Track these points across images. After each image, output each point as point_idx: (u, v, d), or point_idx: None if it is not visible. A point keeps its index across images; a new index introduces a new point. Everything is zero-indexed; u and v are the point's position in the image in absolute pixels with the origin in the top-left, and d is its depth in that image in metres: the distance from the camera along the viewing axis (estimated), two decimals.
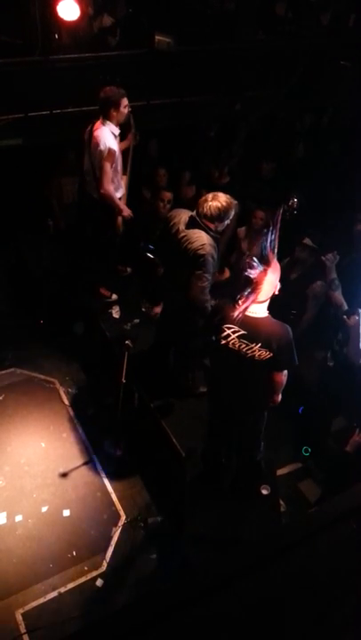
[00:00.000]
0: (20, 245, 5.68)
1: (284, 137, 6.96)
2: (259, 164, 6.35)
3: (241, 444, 3.75)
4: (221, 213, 3.71)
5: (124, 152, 4.69)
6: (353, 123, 6.74)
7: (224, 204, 3.69)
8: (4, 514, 4.15)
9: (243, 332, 3.09)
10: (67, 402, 5.07)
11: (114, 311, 5.18)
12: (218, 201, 3.68)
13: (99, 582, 3.85)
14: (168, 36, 5.07)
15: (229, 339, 3.13)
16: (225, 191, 3.84)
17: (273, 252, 3.00)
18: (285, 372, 3.26)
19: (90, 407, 5.07)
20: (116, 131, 4.41)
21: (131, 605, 3.58)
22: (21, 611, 3.66)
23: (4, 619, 3.60)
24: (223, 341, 3.16)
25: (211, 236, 3.77)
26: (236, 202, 3.78)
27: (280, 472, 4.46)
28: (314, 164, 6.61)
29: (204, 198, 3.74)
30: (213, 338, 3.27)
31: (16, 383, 5.11)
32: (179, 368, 4.61)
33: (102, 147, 4.32)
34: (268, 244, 2.96)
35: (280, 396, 3.37)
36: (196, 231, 3.75)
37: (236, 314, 3.05)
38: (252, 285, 2.98)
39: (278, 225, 2.97)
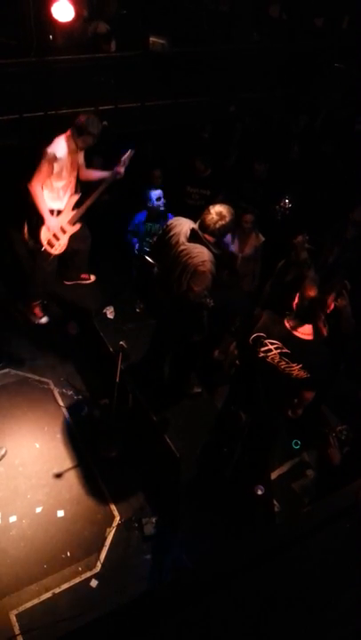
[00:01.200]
0: (14, 245, 5.67)
1: (278, 138, 6.98)
2: (252, 164, 6.38)
3: (249, 444, 3.77)
4: (224, 230, 3.74)
5: (95, 183, 4.72)
6: (346, 124, 6.77)
7: (228, 220, 3.72)
8: None
9: (286, 350, 3.11)
10: (61, 402, 5.07)
11: (108, 312, 5.19)
12: (221, 217, 3.70)
13: (93, 583, 3.85)
14: (163, 37, 5.08)
15: (270, 353, 3.16)
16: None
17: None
18: (314, 392, 3.32)
19: (84, 408, 5.07)
20: (74, 148, 4.49)
21: (125, 606, 3.59)
22: (15, 612, 3.65)
23: None
24: (262, 354, 3.18)
25: (211, 251, 3.78)
26: (233, 215, 3.81)
27: (274, 473, 4.48)
28: (308, 166, 6.63)
29: (207, 212, 3.74)
30: (251, 349, 3.28)
31: (10, 384, 5.10)
32: (174, 369, 4.62)
33: (49, 149, 4.41)
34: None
35: (301, 412, 3.41)
36: (198, 246, 3.76)
37: (295, 333, 3.08)
38: (316, 314, 3.08)
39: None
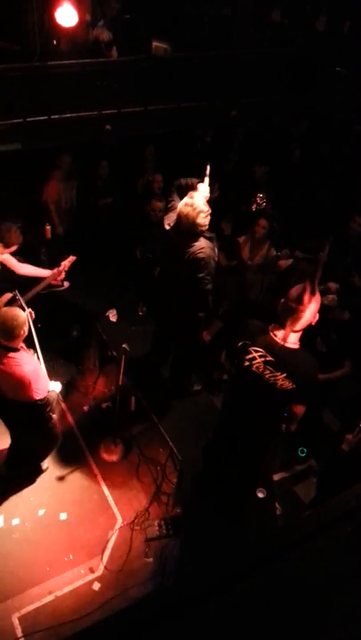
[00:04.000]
0: (18, 250, 5.69)
1: (280, 142, 7.01)
2: (252, 167, 6.41)
3: (243, 461, 3.75)
4: (201, 215, 3.73)
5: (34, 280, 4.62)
6: (347, 129, 6.80)
7: (197, 206, 3.70)
8: (2, 517, 4.15)
9: (270, 358, 3.05)
10: (64, 405, 5.08)
11: (111, 315, 5.20)
12: (192, 207, 3.70)
13: (95, 586, 3.86)
14: (165, 42, 5.10)
15: (254, 362, 3.10)
16: (217, 205, 3.89)
17: (317, 285, 3.03)
18: (304, 406, 3.26)
19: (87, 410, 5.09)
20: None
21: (127, 610, 3.59)
22: (18, 614, 3.66)
23: (0, 622, 3.60)
24: (247, 363, 3.12)
25: (206, 237, 3.80)
26: (205, 196, 3.80)
27: (277, 476, 4.48)
28: (309, 169, 6.66)
29: (185, 211, 3.73)
30: (237, 358, 3.25)
31: None
32: (175, 370, 4.63)
33: None
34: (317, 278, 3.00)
35: (295, 425, 3.38)
36: (191, 238, 3.79)
37: (278, 340, 3.04)
38: (297, 313, 2.95)
39: (322, 264, 2.98)
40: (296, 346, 3.06)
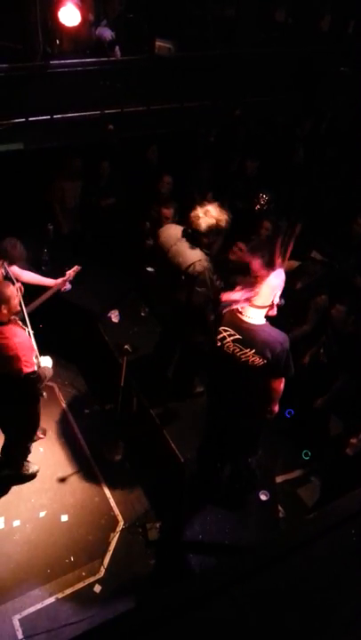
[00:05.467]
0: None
1: (283, 142, 6.98)
2: (243, 162, 6.37)
3: (234, 449, 3.73)
4: (214, 230, 3.71)
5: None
6: (352, 129, 6.76)
7: (215, 220, 3.68)
8: (2, 519, 4.14)
9: (238, 336, 3.07)
10: (65, 406, 5.07)
11: (113, 315, 5.18)
12: (210, 217, 3.67)
13: (97, 588, 3.84)
14: (168, 41, 5.08)
15: (225, 341, 3.11)
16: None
17: (281, 259, 3.01)
18: (283, 380, 3.24)
19: (89, 412, 5.07)
20: None
21: (129, 612, 3.57)
22: (18, 616, 3.64)
23: (1, 624, 3.58)
24: (218, 343, 3.14)
25: (203, 252, 3.76)
26: (226, 216, 3.75)
27: (279, 478, 4.45)
28: (313, 169, 6.63)
29: (195, 214, 3.70)
30: (210, 339, 3.26)
31: None
32: (179, 370, 4.61)
33: None
34: (278, 250, 2.97)
35: (277, 406, 3.35)
36: (189, 248, 3.76)
37: (225, 298, 3.05)
38: (254, 281, 2.97)
39: (293, 237, 2.96)
40: (262, 322, 3.07)
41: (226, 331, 3.11)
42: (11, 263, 4.14)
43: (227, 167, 6.73)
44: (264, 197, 5.80)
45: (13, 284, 3.88)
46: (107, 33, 5.25)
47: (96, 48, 5.21)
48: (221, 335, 3.12)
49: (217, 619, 2.80)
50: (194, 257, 3.71)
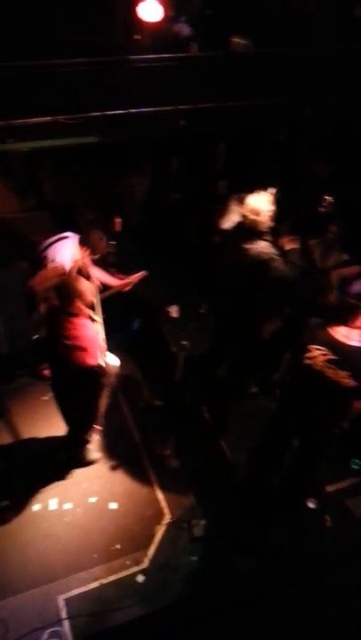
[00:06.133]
0: None
1: (354, 143, 6.77)
2: (313, 163, 6.22)
3: (298, 461, 3.70)
4: (265, 214, 3.76)
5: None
6: None
7: (263, 213, 3.75)
8: (55, 500, 4.27)
9: (333, 357, 3.03)
10: (121, 397, 5.15)
11: (172, 310, 5.22)
12: (256, 213, 3.75)
13: (140, 578, 3.90)
14: (245, 38, 5.03)
15: (315, 360, 3.08)
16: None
17: None
18: None
19: (143, 404, 5.13)
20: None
21: (170, 606, 3.62)
22: (63, 597, 3.76)
23: (46, 602, 3.71)
24: (307, 361, 3.11)
25: (266, 240, 3.79)
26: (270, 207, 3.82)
27: (329, 487, 4.36)
28: None
29: (252, 204, 3.77)
30: (297, 356, 3.24)
31: None
32: (233, 369, 4.60)
33: None
34: None
35: (347, 424, 3.31)
36: (258, 242, 3.78)
37: (339, 338, 3.03)
38: (355, 314, 2.98)
39: None
40: (359, 344, 3.02)
41: (319, 350, 3.07)
42: (93, 254, 4.22)
43: (295, 167, 6.60)
44: (329, 200, 5.67)
45: (88, 279, 3.97)
46: (185, 29, 5.26)
47: (174, 44, 5.24)
48: (313, 354, 3.09)
49: (257, 622, 2.80)
50: (264, 250, 3.78)
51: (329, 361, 3.04)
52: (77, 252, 4.20)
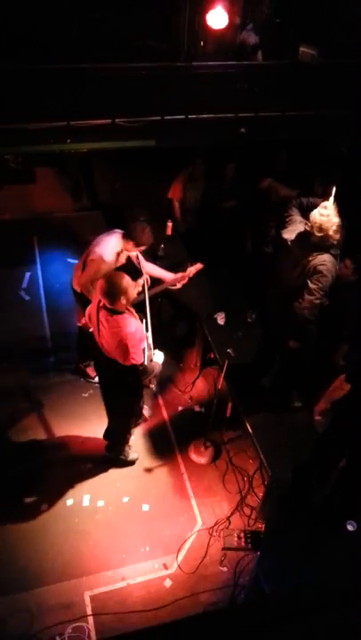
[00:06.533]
0: None
1: None
2: None
3: (344, 481, 3.60)
4: (333, 231, 3.65)
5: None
6: None
7: (332, 223, 3.63)
8: (88, 496, 4.31)
9: None
10: (160, 400, 5.16)
11: (219, 317, 5.18)
12: (327, 217, 3.62)
13: (167, 582, 3.88)
14: (313, 47, 4.97)
15: None
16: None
17: None
18: None
19: (182, 409, 5.12)
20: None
21: (195, 618, 3.56)
22: (90, 593, 3.78)
23: (73, 597, 3.74)
24: None
25: (332, 254, 3.68)
26: (338, 221, 3.69)
27: None
28: None
29: (319, 221, 3.65)
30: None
31: None
32: (278, 381, 4.51)
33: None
34: None
35: None
36: (315, 252, 3.72)
37: None
38: None
39: None
40: None
41: None
42: (137, 245, 4.25)
43: (356, 180, 6.46)
44: None
45: (141, 274, 3.99)
46: (251, 37, 5.25)
47: (239, 51, 5.23)
48: None
49: None
50: (321, 257, 3.71)
51: None
52: (121, 244, 4.25)
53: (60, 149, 4.69)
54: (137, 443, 4.71)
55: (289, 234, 3.91)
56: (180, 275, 4.57)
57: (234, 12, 4.97)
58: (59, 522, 4.14)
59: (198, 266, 4.58)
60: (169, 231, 5.82)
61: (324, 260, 3.67)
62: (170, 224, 5.82)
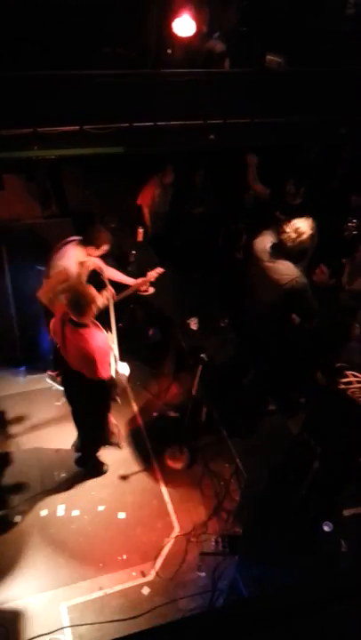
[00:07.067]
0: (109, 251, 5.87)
1: None
2: (348, 195, 6.16)
3: (318, 483, 3.64)
4: (303, 246, 3.71)
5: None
6: None
7: (306, 236, 3.68)
8: (63, 506, 4.25)
9: None
10: (135, 407, 5.14)
11: (192, 323, 5.20)
12: (299, 233, 3.67)
13: (145, 590, 3.85)
14: (279, 55, 5.06)
15: (350, 386, 3.06)
16: (297, 212, 3.83)
17: None
18: None
19: (157, 415, 5.11)
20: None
21: (175, 622, 3.54)
22: (67, 604, 3.73)
23: (49, 609, 3.68)
24: (342, 386, 3.09)
25: (297, 266, 3.74)
26: (312, 232, 3.75)
27: (346, 512, 4.26)
28: None
29: (288, 232, 3.70)
30: (331, 379, 3.21)
31: None
32: (252, 386, 4.55)
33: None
34: None
35: None
36: (283, 263, 3.76)
37: None
38: None
39: None
40: None
41: (355, 376, 3.06)
42: (97, 248, 4.23)
43: (324, 187, 6.58)
44: (354, 222, 5.62)
45: (105, 286, 3.97)
46: (218, 45, 5.31)
47: (206, 59, 5.28)
48: (348, 380, 3.07)
49: None
50: (289, 274, 3.71)
51: None
52: (82, 253, 4.23)
53: (26, 156, 4.64)
54: (112, 450, 4.68)
55: (260, 244, 3.96)
56: (140, 279, 4.59)
57: (201, 20, 5.02)
58: (33, 533, 4.07)
59: (159, 270, 4.62)
60: (140, 237, 5.82)
61: (295, 277, 3.71)
62: (140, 230, 5.83)
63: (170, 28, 4.66)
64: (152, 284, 5.08)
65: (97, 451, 4.42)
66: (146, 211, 6.05)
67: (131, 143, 4.87)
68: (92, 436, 4.29)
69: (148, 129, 4.83)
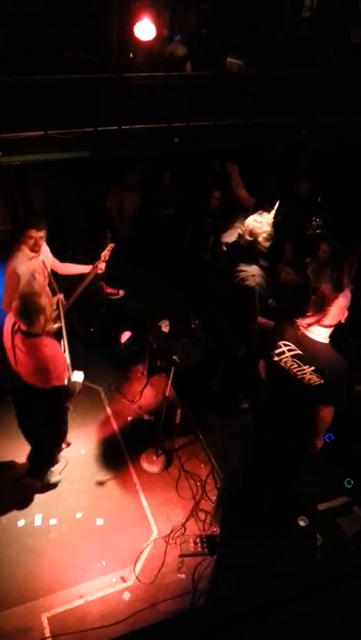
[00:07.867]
0: (76, 254, 5.82)
1: (351, 164, 6.86)
2: (297, 183, 6.26)
3: (277, 473, 3.67)
4: (264, 235, 3.73)
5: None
6: None
7: (263, 237, 3.70)
8: (40, 515, 4.21)
9: (298, 351, 3.03)
10: (109, 411, 5.12)
11: (163, 325, 5.21)
12: (260, 224, 3.70)
13: (126, 595, 3.83)
14: (240, 58, 5.11)
15: (283, 356, 3.08)
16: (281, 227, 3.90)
17: (348, 279, 2.99)
18: (332, 409, 3.14)
19: (131, 418, 5.10)
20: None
21: (156, 625, 3.55)
22: (47, 614, 3.68)
23: (30, 620, 3.63)
24: (276, 358, 3.12)
25: (260, 265, 3.78)
26: (270, 230, 3.79)
27: (321, 505, 4.32)
28: None
29: (251, 226, 3.72)
30: (267, 353, 3.24)
31: None
32: (224, 385, 4.58)
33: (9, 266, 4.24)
34: (346, 271, 2.97)
35: (321, 442, 3.25)
36: (242, 261, 3.80)
37: (300, 325, 3.04)
38: (324, 304, 2.97)
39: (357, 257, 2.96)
40: (326, 341, 3.03)
41: (286, 345, 3.07)
42: (30, 238, 4.21)
43: (289, 186, 6.68)
44: (317, 221, 5.71)
45: (55, 293, 3.93)
46: (180, 49, 5.35)
47: (168, 63, 5.31)
48: (280, 349, 3.09)
49: None
50: (249, 271, 3.74)
51: (294, 356, 3.03)
52: (25, 251, 4.22)
53: None
54: (87, 456, 4.66)
55: (228, 237, 4.00)
56: (96, 263, 4.69)
57: (161, 23, 5.05)
58: (11, 544, 4.02)
59: (110, 246, 4.72)
60: (108, 241, 5.80)
61: (252, 275, 3.74)
62: (109, 234, 5.80)
63: (131, 32, 4.67)
64: (123, 287, 5.09)
65: (51, 461, 4.34)
66: (114, 214, 6.04)
67: (96, 147, 4.86)
68: (46, 447, 4.20)
69: (113, 133, 4.83)
